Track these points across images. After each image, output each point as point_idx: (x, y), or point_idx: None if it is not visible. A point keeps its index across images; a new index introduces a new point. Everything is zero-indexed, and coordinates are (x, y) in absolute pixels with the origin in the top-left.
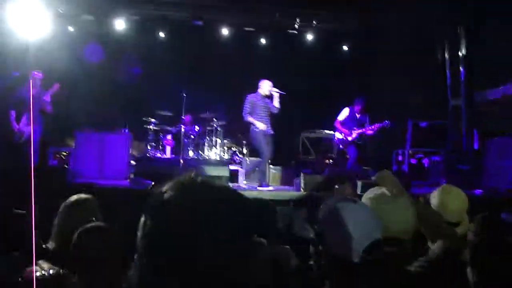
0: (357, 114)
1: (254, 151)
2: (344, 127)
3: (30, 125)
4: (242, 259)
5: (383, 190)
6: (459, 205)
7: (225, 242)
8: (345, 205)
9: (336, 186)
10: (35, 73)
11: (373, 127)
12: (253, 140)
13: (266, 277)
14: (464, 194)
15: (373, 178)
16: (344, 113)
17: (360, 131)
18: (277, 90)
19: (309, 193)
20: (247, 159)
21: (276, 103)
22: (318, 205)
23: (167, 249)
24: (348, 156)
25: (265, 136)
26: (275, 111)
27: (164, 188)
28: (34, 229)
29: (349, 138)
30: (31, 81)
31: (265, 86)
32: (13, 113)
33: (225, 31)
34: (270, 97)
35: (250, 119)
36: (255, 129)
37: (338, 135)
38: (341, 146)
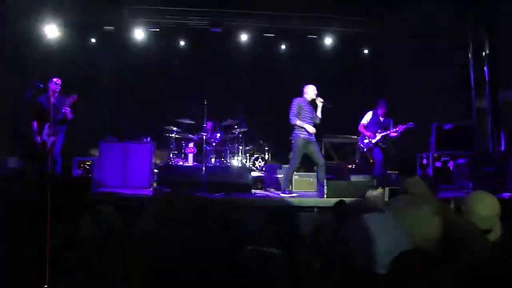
0: (380, 118)
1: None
2: (368, 130)
3: (52, 134)
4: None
5: (409, 198)
6: (490, 211)
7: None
8: (371, 216)
9: (368, 193)
10: (54, 79)
11: (397, 129)
12: (293, 145)
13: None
14: (496, 200)
15: (402, 184)
16: (368, 116)
17: (384, 133)
18: (323, 101)
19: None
20: (269, 165)
21: (319, 112)
22: (345, 213)
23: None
24: (372, 161)
25: (307, 143)
26: (317, 121)
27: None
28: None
29: (373, 141)
30: (50, 88)
31: (310, 91)
32: (35, 124)
33: (244, 37)
34: (314, 104)
35: (298, 122)
36: (299, 134)
37: (363, 140)
38: (365, 150)
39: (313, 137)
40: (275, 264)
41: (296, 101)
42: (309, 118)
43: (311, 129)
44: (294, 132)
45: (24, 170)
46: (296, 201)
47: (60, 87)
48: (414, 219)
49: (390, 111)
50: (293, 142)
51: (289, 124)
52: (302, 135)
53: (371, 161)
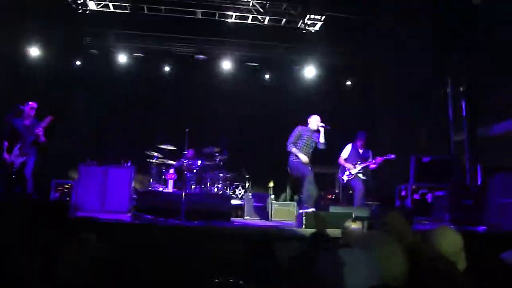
0: (359, 150)
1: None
2: (347, 162)
3: (22, 155)
4: None
5: (381, 233)
6: (454, 247)
7: None
8: (344, 251)
9: (346, 224)
10: (30, 103)
11: (376, 160)
12: (292, 170)
13: None
14: (458, 235)
15: (381, 218)
16: (347, 149)
17: (363, 164)
18: (323, 125)
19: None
20: (249, 193)
21: (322, 138)
22: (319, 244)
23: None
24: (351, 192)
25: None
26: (321, 147)
27: None
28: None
29: (353, 172)
30: (25, 111)
31: (314, 122)
32: (5, 144)
33: (227, 66)
34: (318, 132)
35: (293, 149)
36: (293, 161)
37: (344, 173)
38: (345, 182)
39: (308, 165)
40: None
41: (298, 129)
42: (306, 148)
43: (304, 158)
44: (289, 159)
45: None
46: (274, 231)
47: (34, 111)
48: (383, 255)
49: (371, 142)
50: (292, 168)
51: (286, 151)
52: (296, 161)
53: (350, 192)
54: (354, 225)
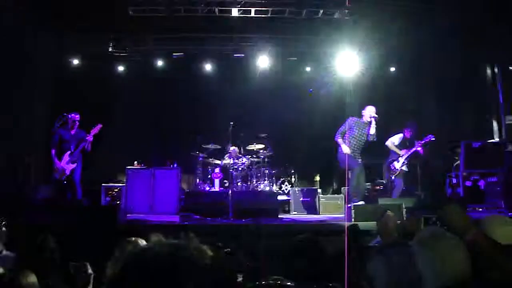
0: (407, 142)
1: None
2: (394, 153)
3: (72, 163)
4: None
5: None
6: (507, 237)
7: None
8: (392, 250)
9: (384, 217)
10: (73, 115)
11: (416, 144)
12: (341, 163)
13: None
14: (509, 218)
15: (438, 212)
16: (395, 139)
17: (407, 154)
18: (372, 116)
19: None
20: (296, 188)
21: (372, 129)
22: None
23: None
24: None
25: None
26: (371, 139)
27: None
28: None
29: (397, 166)
30: (70, 120)
31: (367, 113)
32: (53, 151)
33: (267, 62)
34: (370, 123)
35: (339, 140)
36: (342, 151)
37: (390, 165)
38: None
39: (358, 159)
40: None
41: (348, 120)
42: (356, 139)
43: (346, 149)
44: (338, 150)
45: (52, 200)
46: (324, 225)
47: (78, 122)
48: (437, 254)
49: (418, 132)
50: (340, 160)
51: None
52: (343, 153)
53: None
54: (391, 219)
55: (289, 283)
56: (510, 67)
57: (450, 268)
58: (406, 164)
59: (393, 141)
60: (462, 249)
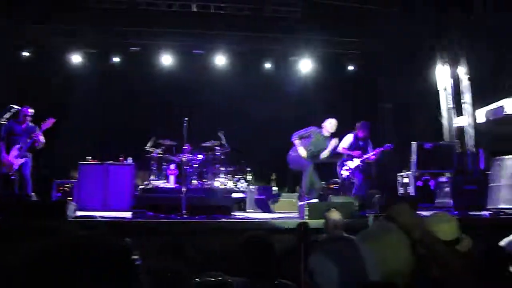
0: (360, 142)
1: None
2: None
3: (21, 157)
4: None
5: (384, 224)
6: (450, 234)
7: None
8: (335, 244)
9: (326, 214)
10: (25, 108)
11: (375, 152)
12: (291, 164)
13: None
14: (454, 221)
15: (387, 210)
16: (348, 139)
17: (362, 158)
18: (336, 144)
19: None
20: (251, 186)
21: (326, 153)
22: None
23: None
24: (354, 181)
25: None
26: (322, 157)
27: None
28: None
29: (352, 166)
30: (21, 114)
31: (329, 126)
32: (2, 144)
33: (225, 58)
34: (330, 138)
35: (296, 141)
36: (292, 154)
37: (342, 169)
38: (344, 176)
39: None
40: None
41: (311, 129)
42: (312, 149)
43: (303, 152)
44: (288, 153)
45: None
46: (276, 223)
47: (30, 116)
48: (382, 247)
49: (372, 132)
50: (288, 163)
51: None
52: (294, 155)
53: (352, 181)
54: (334, 215)
55: (229, 280)
56: (460, 73)
57: (393, 261)
58: (361, 165)
59: (344, 145)
60: (406, 244)
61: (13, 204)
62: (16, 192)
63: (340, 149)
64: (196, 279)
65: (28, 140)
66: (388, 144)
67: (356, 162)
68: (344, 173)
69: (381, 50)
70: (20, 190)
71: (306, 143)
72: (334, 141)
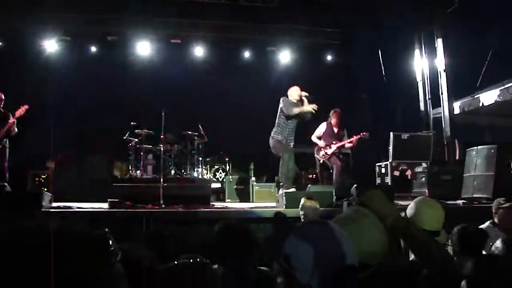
0: (334, 129)
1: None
2: (322, 142)
3: None
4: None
5: (356, 209)
6: (435, 213)
7: None
8: (311, 227)
9: (302, 203)
10: None
11: (351, 139)
12: (273, 149)
13: None
14: (439, 206)
15: (360, 197)
16: (321, 128)
17: (339, 144)
18: (305, 94)
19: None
20: (230, 176)
21: (306, 108)
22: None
23: None
24: (331, 170)
25: (286, 147)
26: (307, 118)
27: None
28: None
29: (328, 152)
30: None
31: (294, 93)
32: None
33: (203, 47)
34: (301, 102)
35: (297, 110)
36: (275, 136)
37: (319, 152)
38: (321, 161)
39: (290, 143)
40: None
41: (283, 101)
42: (292, 120)
43: (312, 107)
44: (270, 137)
45: None
46: (255, 212)
47: (3, 102)
48: (355, 230)
49: (348, 121)
50: (272, 148)
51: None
52: (277, 138)
53: (331, 171)
54: (309, 203)
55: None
56: (437, 64)
57: (366, 245)
58: (337, 152)
59: (316, 134)
60: (379, 226)
61: None
62: None
63: (314, 138)
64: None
65: (2, 127)
66: (363, 132)
67: (332, 149)
68: (320, 158)
69: (359, 40)
70: None
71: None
72: (305, 98)
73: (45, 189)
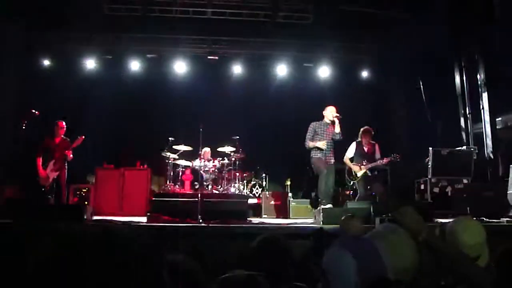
0: (364, 147)
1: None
2: (354, 162)
3: (55, 171)
4: None
5: (389, 225)
6: (475, 238)
7: None
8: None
9: (343, 220)
10: (59, 122)
11: (382, 161)
12: (312, 165)
13: None
14: (481, 226)
15: (393, 213)
16: (352, 148)
17: (369, 166)
18: (337, 115)
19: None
20: (266, 192)
21: (337, 128)
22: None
23: None
24: (369, 187)
25: (325, 164)
26: (337, 137)
27: None
28: None
29: (359, 174)
30: (55, 129)
31: (329, 113)
32: (39, 161)
33: (240, 64)
34: (334, 123)
35: (310, 144)
36: (313, 155)
37: (349, 176)
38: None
39: (331, 160)
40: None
41: (311, 126)
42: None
43: (321, 144)
44: (310, 156)
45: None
46: (292, 228)
47: (64, 130)
48: (387, 246)
49: (387, 137)
50: (312, 165)
51: (306, 149)
52: (315, 157)
53: (368, 187)
54: (351, 220)
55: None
56: (478, 78)
57: (397, 261)
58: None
59: (348, 156)
60: (412, 245)
61: (29, 207)
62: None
63: (346, 160)
64: (222, 276)
65: (62, 155)
66: (395, 154)
67: (363, 171)
68: (351, 177)
69: (396, 56)
70: (56, 198)
71: (318, 138)
72: (336, 119)
73: (86, 203)
